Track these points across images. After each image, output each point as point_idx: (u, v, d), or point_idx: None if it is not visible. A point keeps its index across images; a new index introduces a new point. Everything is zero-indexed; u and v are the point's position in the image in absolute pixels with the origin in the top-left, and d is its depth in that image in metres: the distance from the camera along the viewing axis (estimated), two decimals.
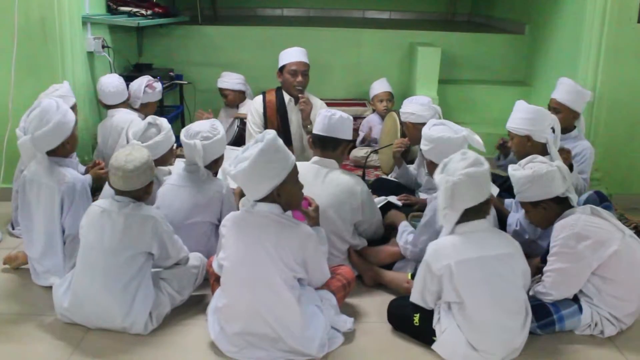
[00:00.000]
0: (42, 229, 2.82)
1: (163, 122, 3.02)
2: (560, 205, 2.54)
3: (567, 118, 3.37)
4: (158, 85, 4.06)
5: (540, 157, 2.61)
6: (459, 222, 2.33)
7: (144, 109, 4.02)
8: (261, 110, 3.91)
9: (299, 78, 3.78)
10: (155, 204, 2.87)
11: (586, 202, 2.89)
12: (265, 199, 2.29)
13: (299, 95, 3.79)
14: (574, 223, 2.45)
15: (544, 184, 2.49)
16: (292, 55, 3.83)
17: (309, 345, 2.29)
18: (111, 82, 3.79)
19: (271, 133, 2.28)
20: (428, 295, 2.39)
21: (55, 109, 2.75)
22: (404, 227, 2.95)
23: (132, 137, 2.95)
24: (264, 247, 2.25)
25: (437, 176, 2.35)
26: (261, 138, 2.29)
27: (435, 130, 2.86)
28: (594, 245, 2.42)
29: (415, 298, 2.45)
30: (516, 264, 2.34)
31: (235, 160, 2.27)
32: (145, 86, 3.97)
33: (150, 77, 4.05)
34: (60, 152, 2.82)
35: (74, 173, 2.85)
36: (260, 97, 3.97)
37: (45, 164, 2.75)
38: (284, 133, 3.82)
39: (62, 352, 2.36)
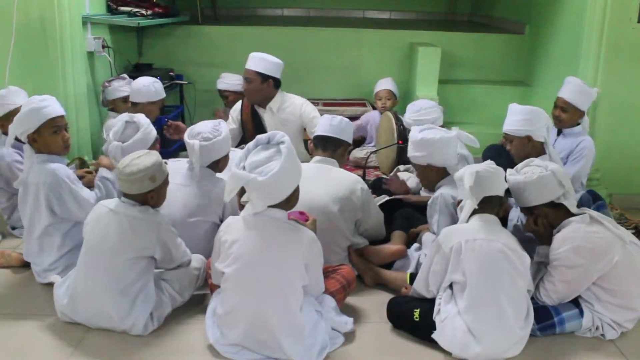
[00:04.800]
0: (34, 226, 2.79)
1: (141, 118, 2.98)
2: (556, 211, 2.52)
3: (574, 117, 3.41)
4: (120, 82, 3.98)
5: (536, 161, 2.61)
6: (474, 213, 2.43)
7: (120, 108, 3.94)
8: (238, 116, 4.07)
9: (244, 84, 3.91)
10: None
11: (579, 202, 2.86)
12: (277, 205, 2.28)
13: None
14: (574, 235, 2.43)
15: (536, 189, 2.49)
16: None
17: (308, 353, 2.27)
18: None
19: (284, 136, 2.27)
20: (432, 278, 2.42)
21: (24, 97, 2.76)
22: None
23: (112, 137, 2.92)
24: (275, 251, 2.24)
25: (459, 172, 2.52)
26: (265, 139, 2.29)
27: (427, 133, 2.89)
28: (594, 258, 2.40)
29: (418, 285, 2.49)
30: (524, 257, 2.39)
31: (250, 166, 2.21)
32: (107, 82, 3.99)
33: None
34: (37, 147, 2.74)
35: (54, 164, 2.73)
36: (239, 103, 4.12)
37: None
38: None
39: (62, 352, 2.35)
